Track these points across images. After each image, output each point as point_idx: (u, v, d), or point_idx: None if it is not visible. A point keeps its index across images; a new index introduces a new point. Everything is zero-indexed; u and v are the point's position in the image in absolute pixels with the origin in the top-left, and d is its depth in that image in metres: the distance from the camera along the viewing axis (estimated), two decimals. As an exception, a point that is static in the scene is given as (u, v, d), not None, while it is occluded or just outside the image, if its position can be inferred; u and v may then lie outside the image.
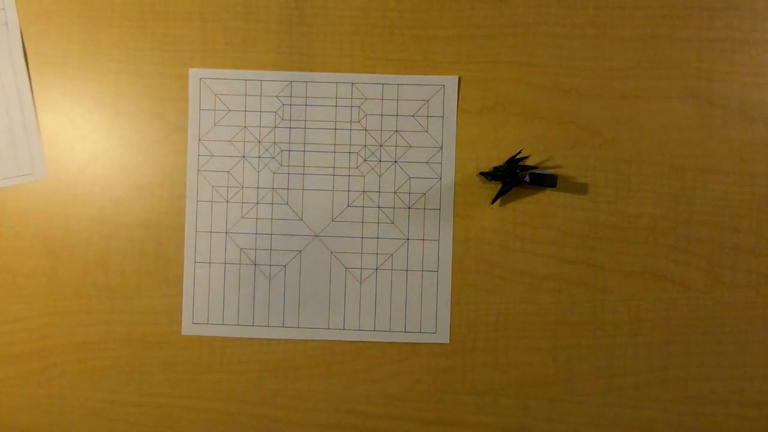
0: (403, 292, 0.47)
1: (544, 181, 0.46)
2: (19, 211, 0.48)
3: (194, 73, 0.47)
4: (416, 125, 0.47)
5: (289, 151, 0.48)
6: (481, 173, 0.47)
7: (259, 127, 0.48)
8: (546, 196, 0.48)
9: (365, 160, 0.48)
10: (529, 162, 0.47)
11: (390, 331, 0.47)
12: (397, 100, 0.47)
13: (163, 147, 0.48)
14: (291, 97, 0.48)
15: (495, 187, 0.47)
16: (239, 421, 0.48)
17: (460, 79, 0.47)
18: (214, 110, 0.48)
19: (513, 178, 0.46)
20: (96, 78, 0.48)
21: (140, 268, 0.48)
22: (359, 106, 0.48)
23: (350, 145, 0.48)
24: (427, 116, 0.47)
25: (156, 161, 0.48)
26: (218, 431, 0.48)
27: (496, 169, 0.47)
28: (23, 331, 0.48)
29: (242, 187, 0.48)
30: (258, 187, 0.48)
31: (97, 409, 0.48)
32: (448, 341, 0.47)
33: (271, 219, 0.48)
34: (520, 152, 0.47)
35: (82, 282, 0.48)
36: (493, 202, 0.47)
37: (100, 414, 0.48)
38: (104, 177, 0.48)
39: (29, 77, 0.46)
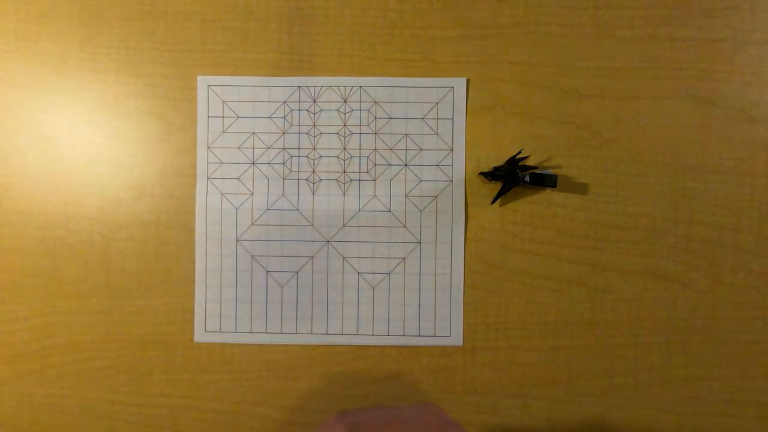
0: (416, 296, 0.47)
1: (544, 181, 0.46)
2: (19, 211, 0.48)
3: (202, 80, 0.47)
4: (426, 128, 0.47)
5: (299, 156, 0.47)
6: (481, 173, 0.47)
7: (268, 133, 0.47)
8: (546, 196, 0.48)
9: (375, 165, 0.47)
10: (529, 162, 0.47)
11: (404, 335, 0.47)
12: (407, 102, 0.47)
13: (164, 147, 0.48)
14: (299, 102, 0.47)
15: (495, 187, 0.47)
16: (239, 421, 0.48)
17: (468, 81, 0.47)
18: (223, 117, 0.47)
19: (513, 178, 0.46)
20: (96, 78, 0.48)
21: (140, 268, 0.48)
22: (368, 110, 0.47)
23: (360, 149, 0.47)
24: (437, 119, 0.47)
25: (156, 161, 0.48)
26: (218, 431, 0.48)
27: (496, 169, 0.47)
28: (23, 331, 0.48)
29: (252, 194, 0.47)
30: (268, 194, 0.48)
31: (97, 409, 0.48)
32: (461, 344, 0.47)
33: (282, 225, 0.48)
34: (520, 152, 0.47)
35: (82, 282, 0.48)
36: (493, 202, 0.47)
37: (100, 414, 0.48)
38: (104, 177, 0.48)
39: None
